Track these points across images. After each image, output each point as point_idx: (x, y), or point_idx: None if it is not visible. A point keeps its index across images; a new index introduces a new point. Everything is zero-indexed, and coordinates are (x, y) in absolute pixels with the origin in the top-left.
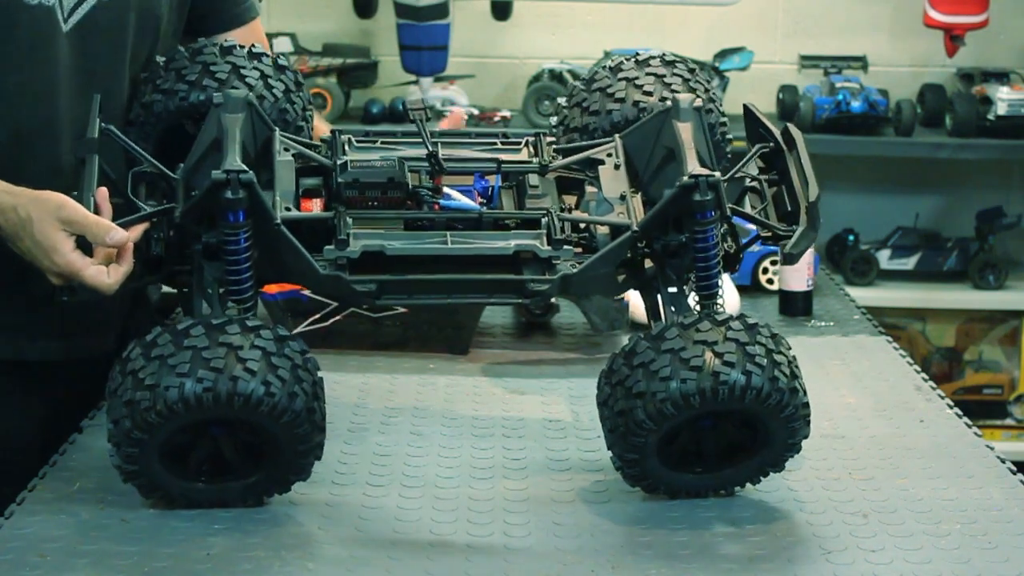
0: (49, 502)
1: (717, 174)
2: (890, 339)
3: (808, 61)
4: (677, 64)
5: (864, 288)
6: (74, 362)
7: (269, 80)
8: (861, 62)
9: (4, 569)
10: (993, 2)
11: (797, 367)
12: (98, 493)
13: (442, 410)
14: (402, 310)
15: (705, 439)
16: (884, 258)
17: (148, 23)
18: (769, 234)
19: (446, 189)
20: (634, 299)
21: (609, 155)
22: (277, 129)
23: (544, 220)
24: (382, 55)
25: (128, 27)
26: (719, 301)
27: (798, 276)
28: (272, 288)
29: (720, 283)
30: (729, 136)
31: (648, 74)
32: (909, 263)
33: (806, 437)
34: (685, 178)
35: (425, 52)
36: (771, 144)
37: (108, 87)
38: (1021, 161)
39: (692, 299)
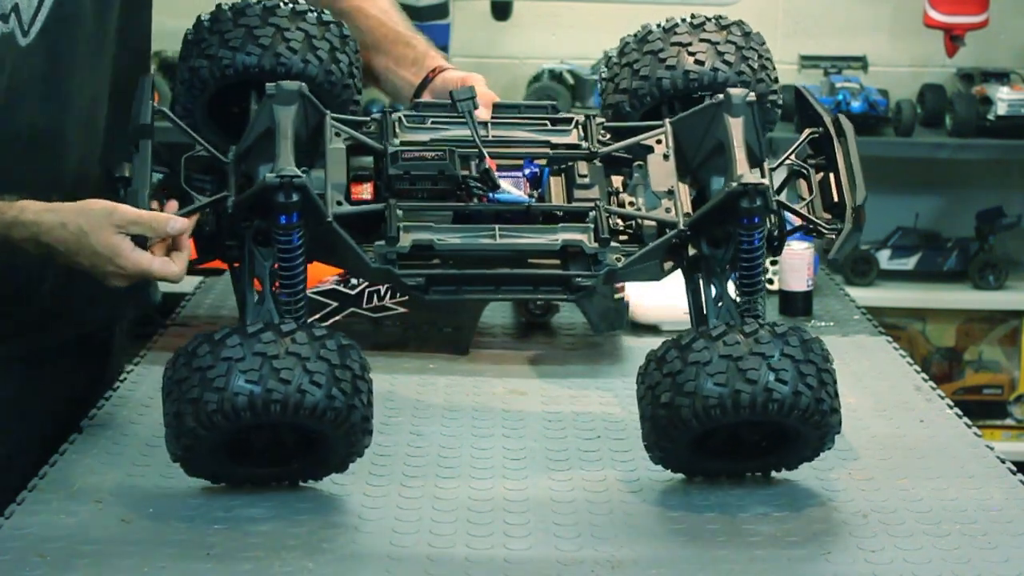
0: (49, 502)
1: (765, 181)
2: (890, 339)
3: (808, 61)
4: (732, 29)
5: (864, 288)
6: (71, 355)
7: (314, 41)
8: (861, 62)
9: (4, 569)
10: (993, 2)
11: (836, 381)
12: (98, 493)
13: (442, 410)
14: (402, 310)
15: (740, 435)
16: (884, 258)
17: (107, 2)
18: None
19: (498, 180)
20: (634, 299)
21: (659, 141)
22: (328, 113)
23: (592, 215)
24: None
25: (87, 13)
26: (760, 301)
27: (798, 276)
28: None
29: (763, 282)
30: (779, 103)
31: (702, 40)
32: (909, 263)
33: (831, 447)
34: (734, 184)
35: None
36: (820, 130)
37: (78, 81)
38: (1021, 161)
39: (731, 289)
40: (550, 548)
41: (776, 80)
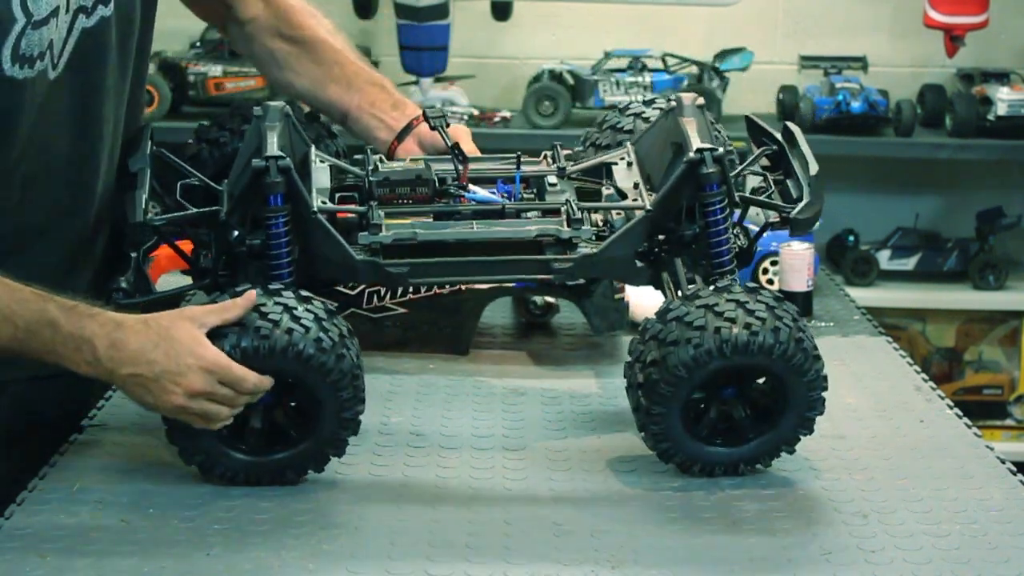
0: (49, 502)
1: (721, 149)
2: (890, 339)
3: (808, 61)
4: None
5: (864, 288)
6: None
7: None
8: (861, 62)
9: (4, 569)
10: (993, 2)
11: (812, 337)
12: (98, 493)
13: (442, 410)
14: (402, 311)
15: (730, 410)
16: (884, 258)
17: (128, 28)
18: (778, 219)
19: (471, 186)
20: (634, 299)
21: (622, 159)
22: (312, 146)
23: (563, 208)
24: (382, 55)
25: (112, 43)
26: (732, 279)
27: (798, 276)
28: None
29: (732, 260)
30: (734, 159)
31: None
32: (909, 263)
33: (821, 413)
34: (691, 154)
35: (425, 52)
36: (774, 147)
37: (105, 110)
38: (1021, 161)
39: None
40: (550, 548)
41: (732, 151)
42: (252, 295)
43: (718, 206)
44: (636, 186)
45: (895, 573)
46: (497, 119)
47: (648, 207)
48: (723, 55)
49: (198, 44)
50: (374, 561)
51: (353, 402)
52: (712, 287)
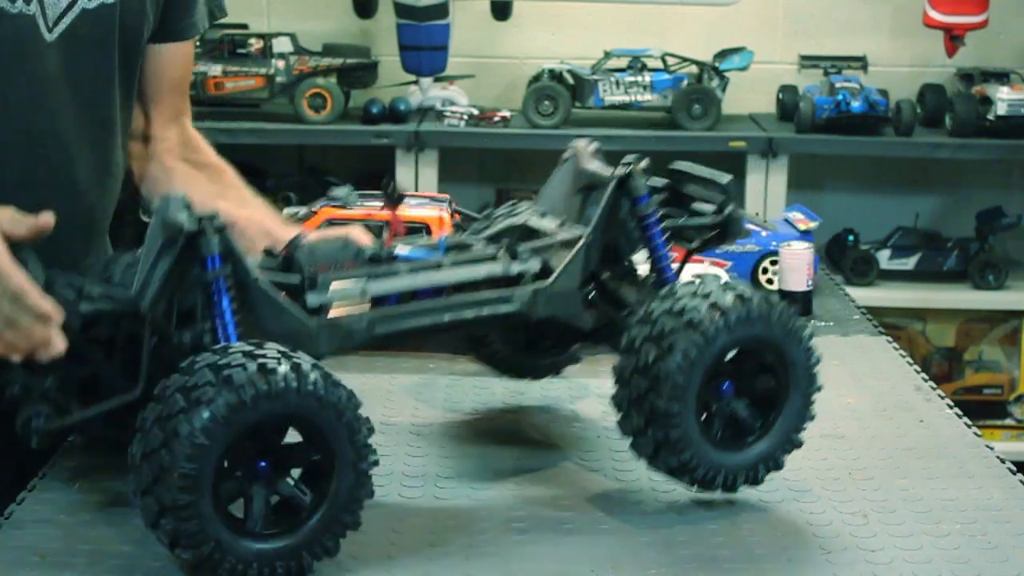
0: (49, 502)
1: (645, 162)
2: (890, 339)
3: (808, 61)
4: None
5: (864, 288)
6: None
7: None
8: (861, 62)
9: (3, 569)
10: (993, 2)
11: None
12: (98, 493)
13: (442, 410)
14: None
15: (734, 406)
16: (884, 258)
17: (133, 27)
18: (700, 242)
19: (398, 248)
20: None
21: (532, 213)
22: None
23: (500, 254)
24: (382, 55)
25: (114, 34)
26: None
27: (798, 276)
28: None
29: (671, 268)
30: None
31: None
32: (909, 263)
33: (820, 389)
34: (618, 169)
35: (425, 52)
36: (666, 192)
37: (95, 96)
38: (1021, 161)
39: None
40: (549, 547)
41: None
42: (49, 218)
43: (653, 217)
44: (562, 224)
45: (895, 573)
46: (497, 119)
47: (587, 235)
48: (723, 55)
49: (198, 44)
50: (374, 560)
51: (370, 450)
52: (669, 288)
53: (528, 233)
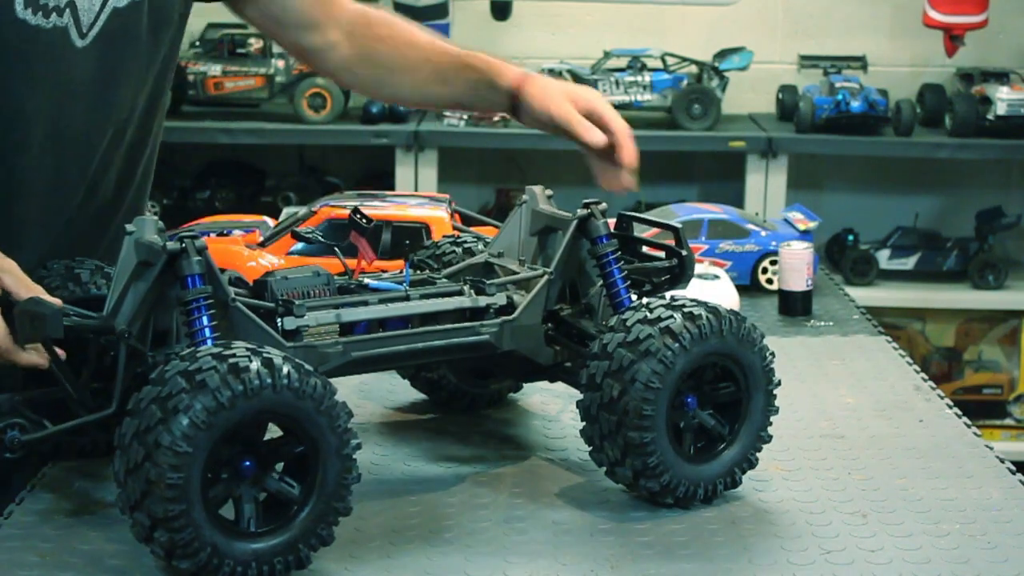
0: (48, 502)
1: (603, 204)
2: (889, 339)
3: (808, 61)
4: None
5: (864, 288)
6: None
7: None
8: (861, 62)
9: (3, 569)
10: (993, 2)
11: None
12: (97, 493)
13: (441, 410)
14: None
15: (700, 417)
16: (884, 258)
17: (163, 19)
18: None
19: (366, 280)
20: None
21: (491, 254)
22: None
23: (466, 287)
24: None
25: (143, 29)
26: None
27: (798, 276)
28: None
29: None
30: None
31: None
32: (909, 263)
33: (779, 385)
34: (580, 210)
35: None
36: (615, 243)
37: (125, 92)
38: (1021, 161)
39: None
40: (549, 547)
41: None
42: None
43: (612, 256)
44: (522, 262)
45: (895, 573)
46: (497, 118)
47: (550, 271)
48: (723, 55)
49: (198, 43)
50: (373, 561)
51: (351, 434)
52: (619, 319)
53: (488, 271)
